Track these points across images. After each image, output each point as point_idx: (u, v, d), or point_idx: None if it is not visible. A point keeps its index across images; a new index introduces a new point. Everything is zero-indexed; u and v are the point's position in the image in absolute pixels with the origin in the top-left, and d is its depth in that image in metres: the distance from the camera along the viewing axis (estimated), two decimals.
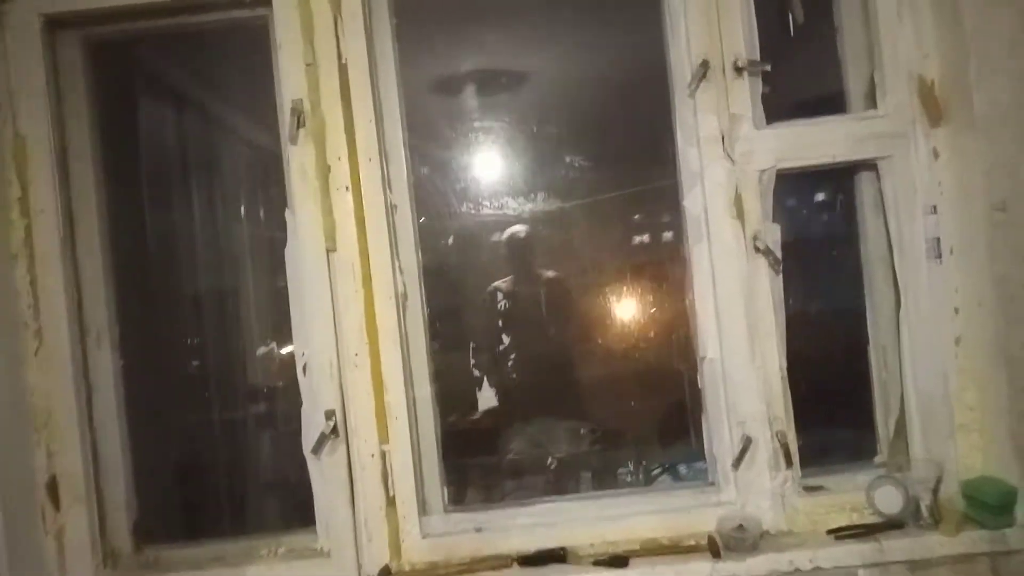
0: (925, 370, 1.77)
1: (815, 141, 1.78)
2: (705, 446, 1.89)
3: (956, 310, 1.75)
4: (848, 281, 1.90)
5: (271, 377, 2.18)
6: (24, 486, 1.78)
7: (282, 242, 1.86)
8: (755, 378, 1.77)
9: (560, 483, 2.14)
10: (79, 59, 1.92)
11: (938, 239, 1.75)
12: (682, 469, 2.11)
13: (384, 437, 1.82)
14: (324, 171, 1.81)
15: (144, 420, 1.94)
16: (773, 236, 1.78)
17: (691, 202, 1.83)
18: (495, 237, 2.07)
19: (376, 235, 1.82)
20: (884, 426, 1.90)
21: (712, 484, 1.87)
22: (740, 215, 1.77)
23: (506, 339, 2.05)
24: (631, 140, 2.17)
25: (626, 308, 2.11)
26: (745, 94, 1.77)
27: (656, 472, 2.09)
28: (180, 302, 2.24)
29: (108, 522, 1.89)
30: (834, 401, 1.94)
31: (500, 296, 2.08)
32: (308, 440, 1.83)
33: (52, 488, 1.82)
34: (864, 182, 1.89)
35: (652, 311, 2.13)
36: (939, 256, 1.75)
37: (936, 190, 1.75)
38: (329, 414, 1.80)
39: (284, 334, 2.27)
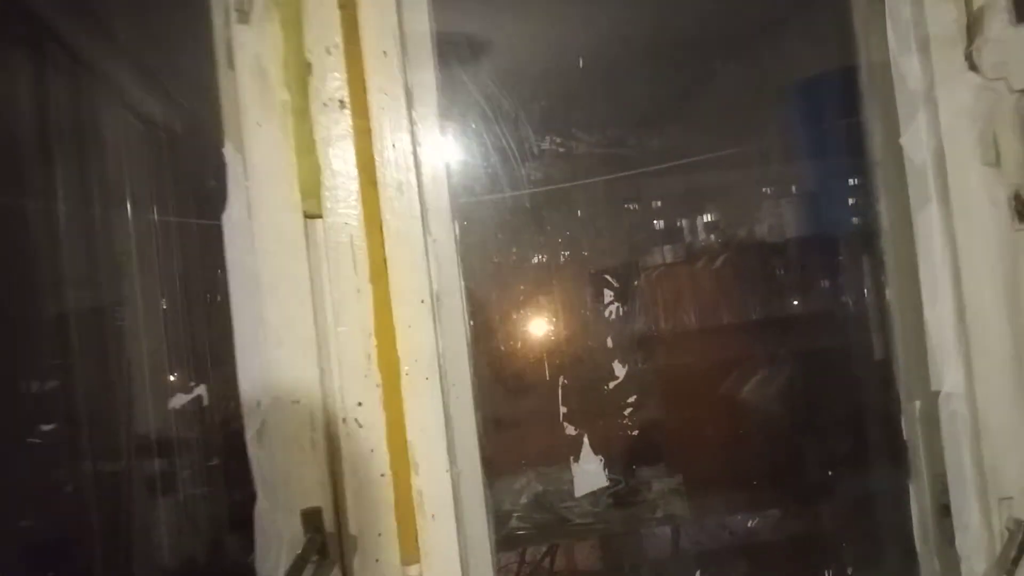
0: None
1: None
2: (916, 533, 1.20)
3: None
4: None
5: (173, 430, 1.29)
6: None
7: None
8: None
9: None
10: None
11: None
12: None
13: (411, 552, 1.01)
14: (300, 72, 1.01)
15: None
16: None
17: (912, 141, 1.14)
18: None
19: (395, 190, 1.02)
20: None
21: None
22: (996, 160, 1.11)
23: (620, 370, 1.27)
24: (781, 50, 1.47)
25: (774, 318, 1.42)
26: None
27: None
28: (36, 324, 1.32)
29: None
30: None
31: (610, 296, 1.31)
32: (269, 561, 0.99)
33: None
34: None
35: (807, 318, 1.44)
36: None
37: None
38: (311, 516, 0.98)
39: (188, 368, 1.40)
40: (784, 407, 1.47)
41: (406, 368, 1.02)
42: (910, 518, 1.20)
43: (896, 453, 1.21)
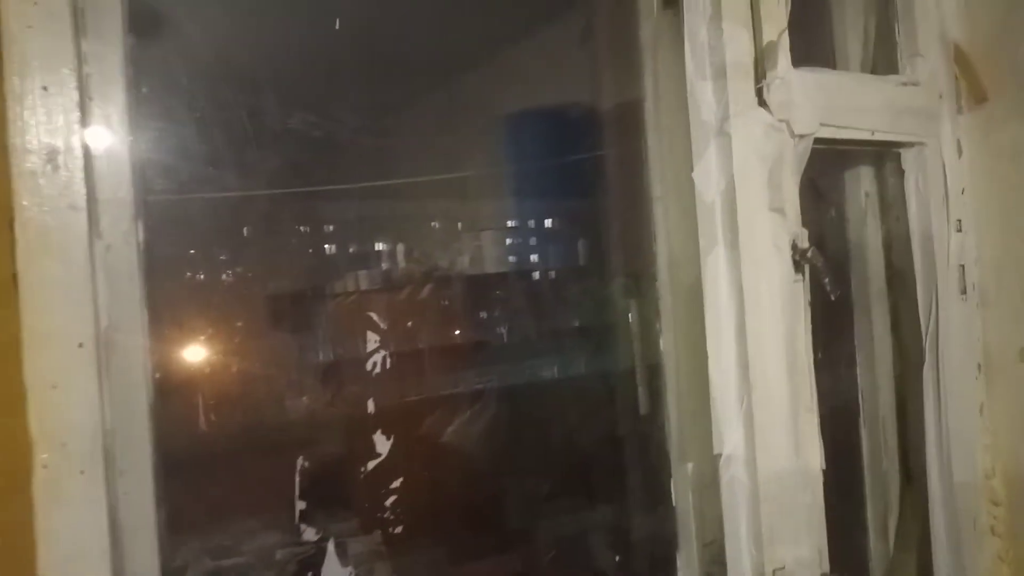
0: (957, 451, 1.24)
1: (859, 105, 1.14)
2: None
3: (979, 367, 1.27)
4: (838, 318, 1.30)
5: None
6: None
7: None
8: (800, 487, 1.03)
9: None
10: None
11: (963, 267, 1.26)
12: None
13: None
14: None
15: None
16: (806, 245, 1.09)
17: (703, 176, 1.03)
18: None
19: (43, 160, 0.62)
20: (878, 533, 1.33)
21: None
22: (780, 205, 1.04)
23: (382, 447, 0.91)
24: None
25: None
26: (782, 9, 1.06)
27: None
28: None
29: None
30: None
31: (374, 343, 0.91)
32: None
33: None
34: (862, 180, 1.33)
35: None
36: (964, 292, 1.26)
37: (959, 200, 1.26)
38: None
39: None
40: (518, 462, 1.30)
41: (44, 456, 0.62)
42: None
43: (661, 520, 1.09)
